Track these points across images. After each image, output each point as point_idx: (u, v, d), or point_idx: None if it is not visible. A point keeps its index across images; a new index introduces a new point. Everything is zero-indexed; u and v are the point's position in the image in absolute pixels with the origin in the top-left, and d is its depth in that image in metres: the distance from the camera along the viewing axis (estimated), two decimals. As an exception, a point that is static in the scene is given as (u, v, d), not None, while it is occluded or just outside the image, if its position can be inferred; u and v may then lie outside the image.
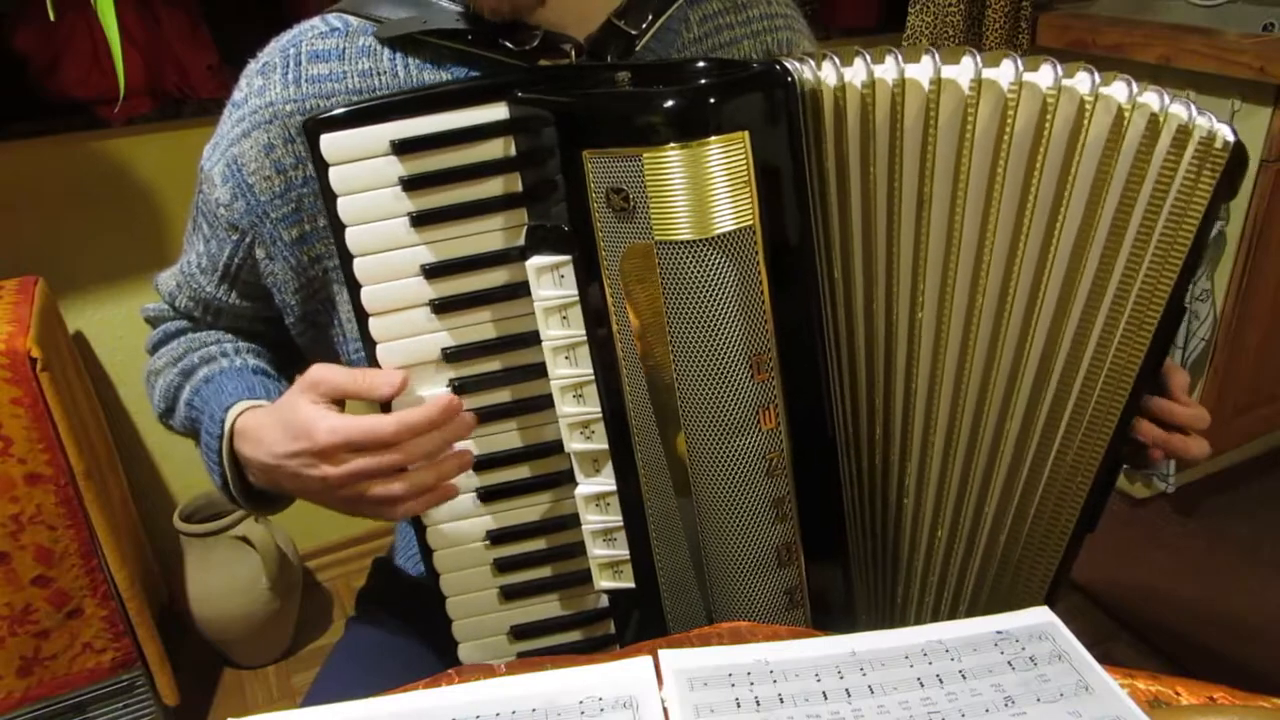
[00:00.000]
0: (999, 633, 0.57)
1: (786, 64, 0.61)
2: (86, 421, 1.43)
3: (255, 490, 0.74)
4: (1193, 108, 0.64)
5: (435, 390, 0.67)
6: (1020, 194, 0.63)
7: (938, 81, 0.60)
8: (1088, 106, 0.61)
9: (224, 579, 1.63)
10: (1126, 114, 0.62)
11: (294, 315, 0.79)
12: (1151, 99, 0.63)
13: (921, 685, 0.53)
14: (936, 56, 0.61)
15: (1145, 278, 0.66)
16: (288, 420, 0.65)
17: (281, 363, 0.86)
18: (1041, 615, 0.59)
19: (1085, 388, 0.69)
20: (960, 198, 0.63)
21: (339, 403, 0.65)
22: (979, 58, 0.61)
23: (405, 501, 0.64)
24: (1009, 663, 0.54)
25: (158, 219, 1.60)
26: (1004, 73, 0.62)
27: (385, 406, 0.66)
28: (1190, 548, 1.98)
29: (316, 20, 0.74)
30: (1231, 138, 0.64)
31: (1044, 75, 0.62)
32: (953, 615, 0.77)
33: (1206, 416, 0.75)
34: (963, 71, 0.61)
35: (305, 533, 1.90)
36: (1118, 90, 0.62)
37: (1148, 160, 0.63)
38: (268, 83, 0.72)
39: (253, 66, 0.74)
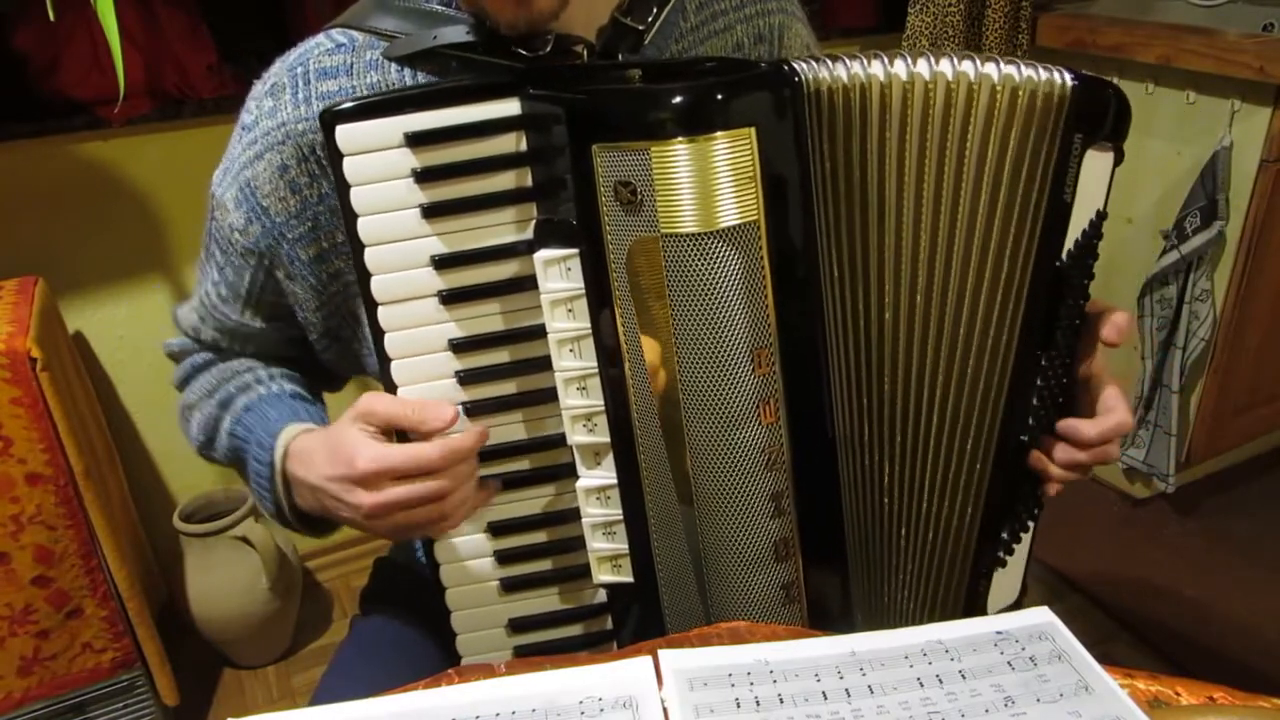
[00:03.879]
0: (999, 633, 0.57)
1: (795, 64, 0.62)
2: (86, 421, 1.43)
3: (307, 514, 0.75)
4: (1022, 66, 0.63)
5: (442, 381, 0.68)
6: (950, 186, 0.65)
7: (954, 80, 0.62)
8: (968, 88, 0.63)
9: (224, 579, 1.63)
10: (955, 88, 0.63)
11: (317, 331, 0.79)
12: (990, 69, 0.63)
13: (921, 685, 0.53)
14: (951, 57, 0.62)
15: (1013, 241, 0.66)
16: (334, 445, 0.66)
17: (313, 385, 0.86)
18: (1041, 615, 0.59)
19: (976, 365, 0.68)
20: (965, 194, 0.64)
21: (388, 433, 0.66)
22: (978, 59, 0.62)
23: (452, 521, 0.65)
24: (1009, 663, 0.54)
25: (158, 219, 1.60)
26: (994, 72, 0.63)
27: (402, 436, 0.67)
28: (1190, 547, 1.98)
29: (321, 37, 0.74)
30: (1072, 81, 0.63)
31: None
32: (934, 615, 0.76)
33: (1126, 423, 0.70)
34: (964, 70, 0.62)
35: (305, 533, 1.90)
36: (967, 68, 0.63)
37: (978, 125, 0.63)
38: (278, 103, 0.72)
39: (260, 88, 0.74)
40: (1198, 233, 1.74)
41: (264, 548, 1.63)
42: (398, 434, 0.67)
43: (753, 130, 0.60)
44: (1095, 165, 0.66)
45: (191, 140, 1.56)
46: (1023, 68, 0.63)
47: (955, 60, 0.63)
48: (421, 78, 0.72)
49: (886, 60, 0.63)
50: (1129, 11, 2.08)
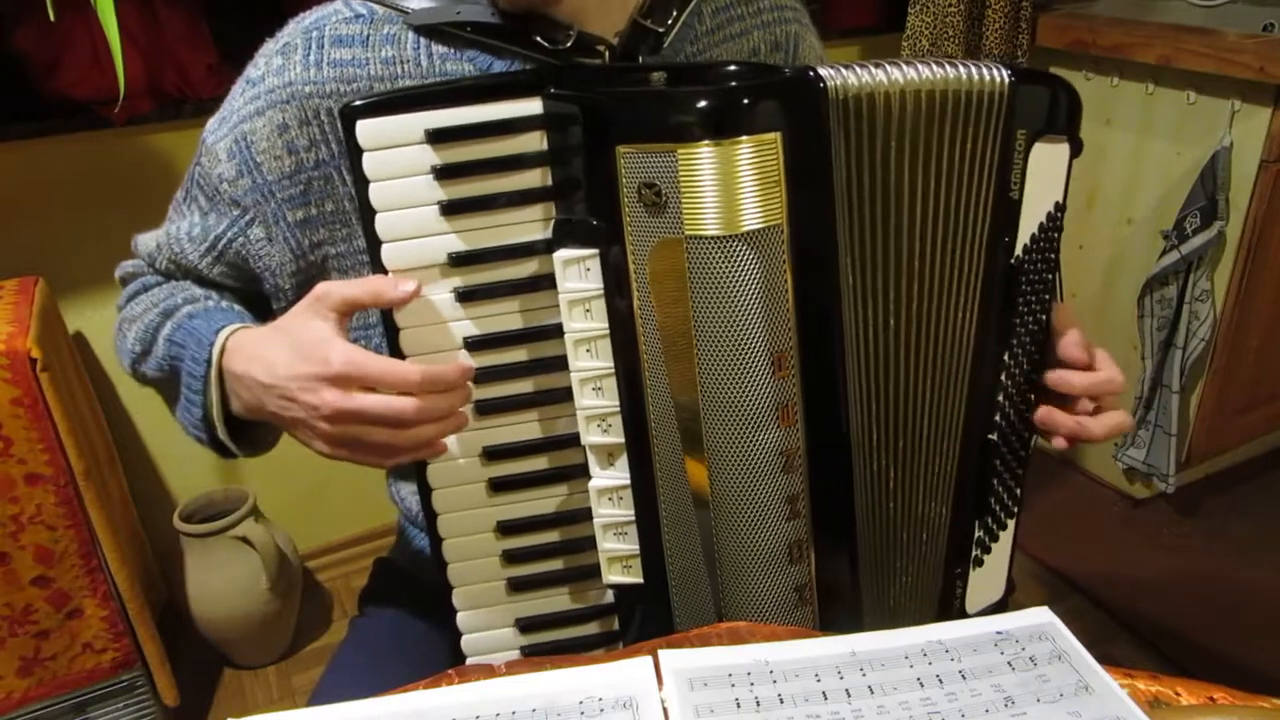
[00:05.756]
0: (999, 633, 0.57)
1: (819, 69, 0.63)
2: (86, 421, 1.43)
3: (236, 423, 0.71)
4: (962, 66, 0.64)
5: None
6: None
7: (906, 85, 0.63)
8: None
9: (224, 579, 1.63)
10: (946, 92, 0.64)
11: (286, 299, 0.78)
12: (932, 73, 0.64)
13: (921, 685, 0.53)
14: (914, 63, 0.63)
15: (966, 241, 0.67)
16: (297, 337, 0.62)
17: None
18: (1042, 615, 0.59)
19: (949, 365, 0.69)
20: (935, 197, 0.65)
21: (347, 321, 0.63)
22: (929, 64, 0.64)
23: (403, 453, 0.62)
24: (1009, 663, 0.54)
25: (158, 219, 1.59)
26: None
27: (392, 339, 0.65)
28: (1190, 547, 1.98)
29: (340, 4, 0.73)
30: (1009, 79, 0.64)
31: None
32: (928, 615, 0.76)
33: (1116, 379, 0.71)
34: (911, 76, 0.64)
35: (305, 533, 1.90)
36: (913, 74, 0.64)
37: (958, 130, 0.65)
38: (288, 63, 0.71)
39: (271, 46, 0.74)
40: (1198, 233, 1.74)
41: (264, 548, 1.62)
42: (388, 349, 0.66)
43: (779, 135, 0.60)
44: (1047, 158, 0.67)
45: (192, 140, 1.54)
46: (966, 69, 0.64)
47: (918, 66, 0.64)
48: (437, 55, 0.71)
49: (891, 66, 0.63)
50: (1129, 11, 2.08)
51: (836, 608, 0.71)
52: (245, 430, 0.73)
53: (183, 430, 0.76)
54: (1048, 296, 0.71)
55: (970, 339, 0.69)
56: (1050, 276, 0.70)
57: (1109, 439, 0.71)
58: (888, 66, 0.63)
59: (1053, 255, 0.70)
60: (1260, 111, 1.66)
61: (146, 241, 0.84)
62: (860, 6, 2.13)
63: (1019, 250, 0.68)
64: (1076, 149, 0.68)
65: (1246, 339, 1.86)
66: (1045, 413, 0.72)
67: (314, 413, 0.61)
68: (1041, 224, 0.69)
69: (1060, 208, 0.69)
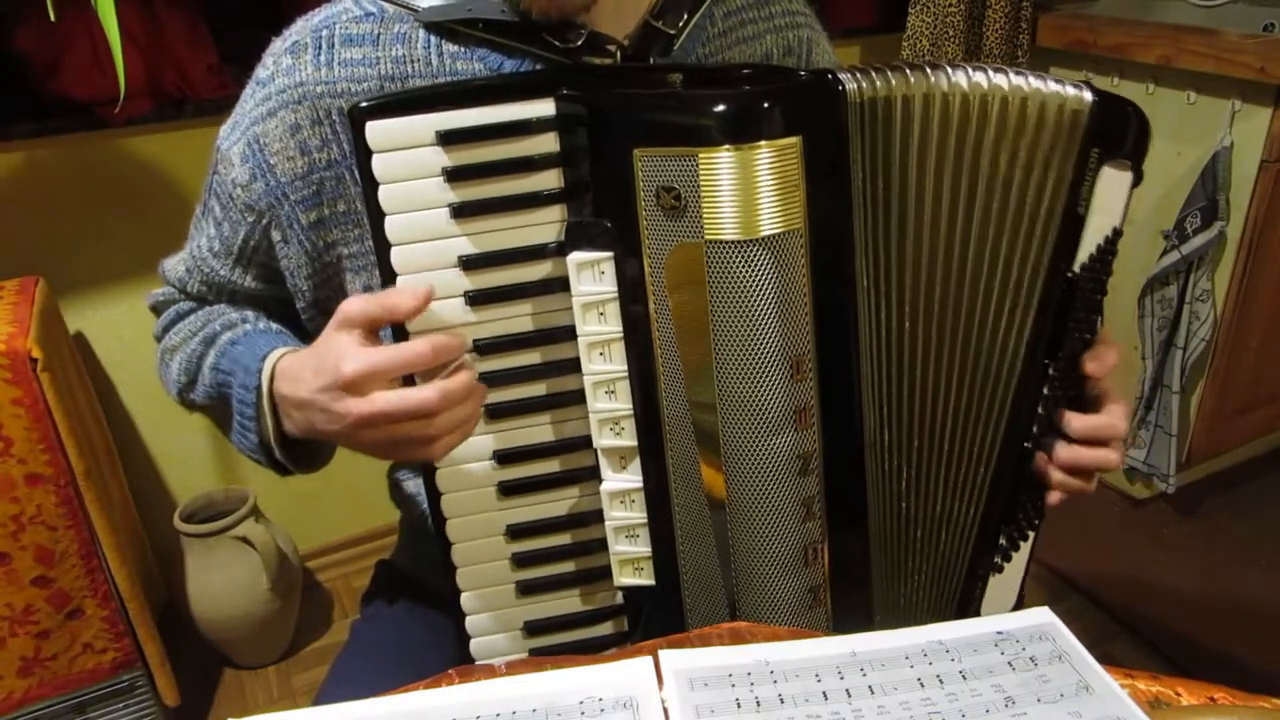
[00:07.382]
0: (999, 633, 0.57)
1: (838, 74, 0.63)
2: (86, 421, 1.43)
3: (293, 442, 0.72)
4: (1044, 80, 0.64)
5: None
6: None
7: (989, 92, 0.63)
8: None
9: (224, 579, 1.63)
10: (989, 99, 0.64)
11: (305, 300, 0.79)
12: (1017, 81, 0.64)
13: (922, 685, 0.53)
14: (980, 69, 0.64)
15: (1025, 249, 0.67)
16: (319, 353, 0.64)
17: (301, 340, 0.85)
18: (1042, 615, 0.59)
19: (985, 369, 0.69)
20: (986, 203, 0.66)
21: (375, 336, 0.64)
22: (1006, 71, 0.64)
23: (444, 438, 0.63)
24: (1009, 663, 0.54)
25: (158, 219, 1.60)
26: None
27: (401, 331, 0.65)
28: (1190, 547, 1.98)
29: (349, 3, 0.73)
30: (1092, 97, 0.64)
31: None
32: (942, 616, 0.76)
33: (1117, 425, 0.72)
34: (998, 83, 0.64)
35: (305, 533, 1.90)
36: (1000, 80, 0.64)
37: (1006, 136, 0.65)
38: (298, 62, 0.71)
39: (280, 45, 0.73)
40: (1198, 233, 1.74)
41: (264, 548, 1.62)
42: (395, 331, 0.66)
43: (799, 139, 0.60)
44: (1112, 182, 0.67)
45: (191, 140, 1.56)
46: (1044, 82, 0.64)
47: (986, 72, 0.64)
48: (448, 54, 0.71)
49: (925, 72, 0.63)
50: (1129, 11, 2.08)
51: (850, 606, 0.71)
52: (301, 448, 0.74)
53: (239, 451, 0.77)
54: (1095, 316, 0.71)
55: (1021, 345, 0.68)
56: (1099, 297, 0.70)
57: (1095, 467, 0.73)
58: (915, 71, 0.63)
59: (1104, 278, 0.70)
60: (1260, 111, 1.66)
61: (174, 267, 0.84)
62: (860, 6, 2.13)
63: (1076, 267, 0.68)
64: (1138, 178, 0.68)
65: (1247, 339, 1.86)
66: (1040, 460, 0.73)
67: (343, 421, 0.62)
68: (1100, 245, 0.68)
69: (1117, 233, 0.69)
